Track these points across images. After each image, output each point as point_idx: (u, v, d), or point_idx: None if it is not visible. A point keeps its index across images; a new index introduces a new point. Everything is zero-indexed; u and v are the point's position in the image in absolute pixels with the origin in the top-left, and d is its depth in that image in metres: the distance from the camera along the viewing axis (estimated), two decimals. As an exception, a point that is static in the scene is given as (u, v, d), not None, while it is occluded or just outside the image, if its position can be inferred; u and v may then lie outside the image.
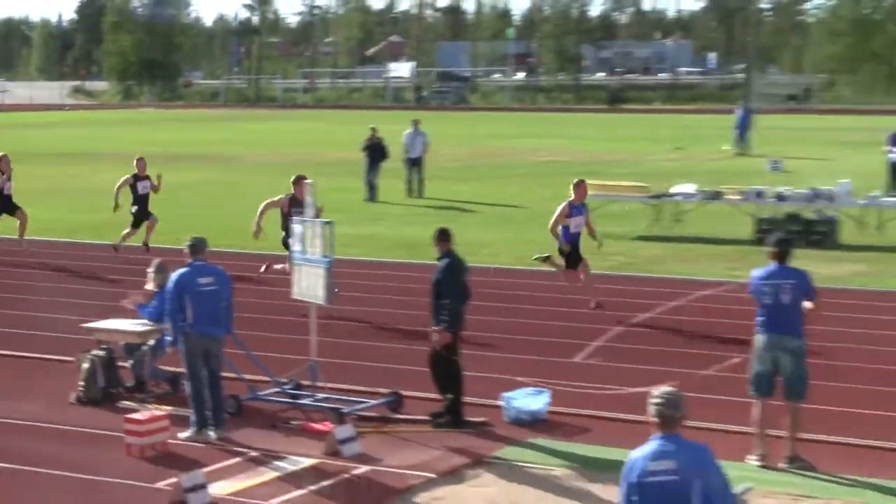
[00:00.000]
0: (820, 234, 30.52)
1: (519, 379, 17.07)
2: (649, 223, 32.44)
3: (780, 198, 31.66)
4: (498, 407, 15.87)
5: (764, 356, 14.18)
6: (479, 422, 15.63)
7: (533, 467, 14.08)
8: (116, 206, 27.93)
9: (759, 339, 14.22)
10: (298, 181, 21.88)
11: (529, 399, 15.96)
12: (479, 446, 14.78)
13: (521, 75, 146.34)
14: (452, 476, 13.80)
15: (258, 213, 22.97)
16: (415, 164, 41.34)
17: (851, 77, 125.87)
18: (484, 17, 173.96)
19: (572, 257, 22.28)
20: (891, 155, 39.67)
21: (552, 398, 16.07)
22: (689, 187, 33.59)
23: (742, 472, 13.35)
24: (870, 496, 13.06)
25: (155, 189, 28.07)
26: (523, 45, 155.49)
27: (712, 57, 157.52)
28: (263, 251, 25.29)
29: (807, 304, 14.31)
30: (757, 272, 14.59)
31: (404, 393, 16.33)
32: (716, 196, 32.62)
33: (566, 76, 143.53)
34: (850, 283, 25.07)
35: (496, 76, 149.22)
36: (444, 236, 15.98)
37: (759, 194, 32.09)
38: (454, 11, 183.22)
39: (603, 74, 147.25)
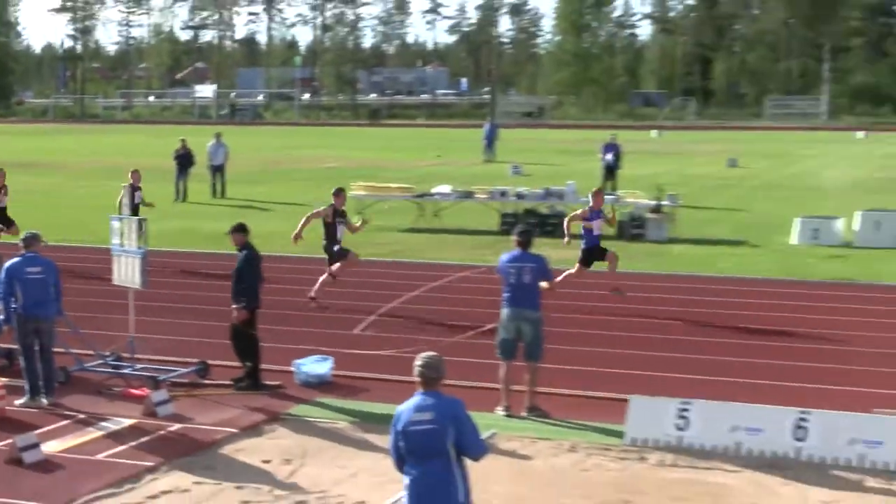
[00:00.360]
0: (552, 225, 30.93)
1: (307, 348, 17.01)
2: (415, 218, 32.57)
3: (520, 196, 32.17)
4: (290, 372, 15.78)
5: (508, 325, 14.37)
6: (274, 385, 15.51)
7: (320, 422, 14.03)
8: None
9: (505, 311, 14.40)
10: (338, 193, 20.97)
11: (316, 365, 15.90)
12: (274, 405, 14.68)
13: (306, 96, 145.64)
14: (252, 430, 13.68)
15: (302, 222, 21.03)
16: (217, 170, 41.05)
17: (575, 98, 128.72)
18: (275, 48, 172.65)
19: (594, 255, 21.35)
20: (604, 161, 40.99)
21: (335, 363, 16.05)
22: (446, 188, 33.89)
23: (490, 421, 13.54)
24: (591, 436, 13.35)
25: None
26: (308, 70, 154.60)
27: (464, 81, 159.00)
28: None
29: (543, 284, 14.54)
30: (504, 256, 14.77)
31: (211, 362, 16.13)
32: (468, 195, 32.97)
33: (344, 97, 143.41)
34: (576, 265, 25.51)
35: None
36: (241, 230, 15.89)
37: (503, 193, 32.57)
38: (250, 42, 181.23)
39: (375, 95, 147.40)
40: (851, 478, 12.04)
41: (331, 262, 20.83)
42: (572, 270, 21.28)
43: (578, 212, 21.79)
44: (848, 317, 20.12)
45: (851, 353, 17.45)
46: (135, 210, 25.86)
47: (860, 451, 12.38)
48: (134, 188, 26.09)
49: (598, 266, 21.43)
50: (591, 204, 21.42)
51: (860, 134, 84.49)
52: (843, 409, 13.42)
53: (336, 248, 20.74)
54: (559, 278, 20.57)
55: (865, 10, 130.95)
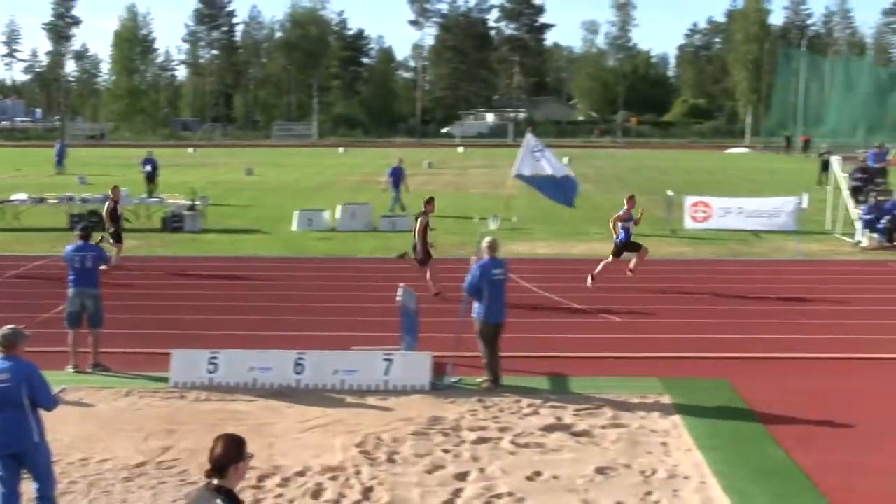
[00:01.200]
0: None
1: None
2: (-3, 220, 30.18)
3: (84, 200, 30.72)
4: None
5: (74, 301, 13.71)
6: None
7: None
8: (110, 228, 22.03)
9: (71, 290, 13.72)
10: (430, 201, 18.86)
11: None
12: None
13: None
14: None
15: (417, 231, 18.60)
16: None
17: (129, 124, 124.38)
18: None
19: (628, 248, 19.54)
20: (143, 171, 39.91)
21: None
22: (23, 195, 31.74)
23: (62, 377, 12.86)
24: (144, 383, 12.92)
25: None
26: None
27: (38, 111, 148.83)
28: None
29: (102, 267, 13.95)
30: (69, 247, 14.02)
31: None
32: (41, 200, 30.98)
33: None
34: (133, 252, 24.62)
35: None
36: None
37: (70, 198, 30.96)
38: None
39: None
40: (336, 397, 12.44)
41: (425, 260, 18.69)
42: (609, 260, 19.75)
43: (618, 214, 19.97)
44: (339, 282, 20.76)
45: (346, 308, 18.04)
46: (118, 223, 22.22)
47: (341, 378, 12.80)
48: (116, 202, 22.11)
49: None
50: (626, 207, 19.84)
51: (341, 149, 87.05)
52: (331, 349, 13.81)
53: (429, 247, 18.79)
54: (598, 268, 19.32)
55: (340, 61, 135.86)
